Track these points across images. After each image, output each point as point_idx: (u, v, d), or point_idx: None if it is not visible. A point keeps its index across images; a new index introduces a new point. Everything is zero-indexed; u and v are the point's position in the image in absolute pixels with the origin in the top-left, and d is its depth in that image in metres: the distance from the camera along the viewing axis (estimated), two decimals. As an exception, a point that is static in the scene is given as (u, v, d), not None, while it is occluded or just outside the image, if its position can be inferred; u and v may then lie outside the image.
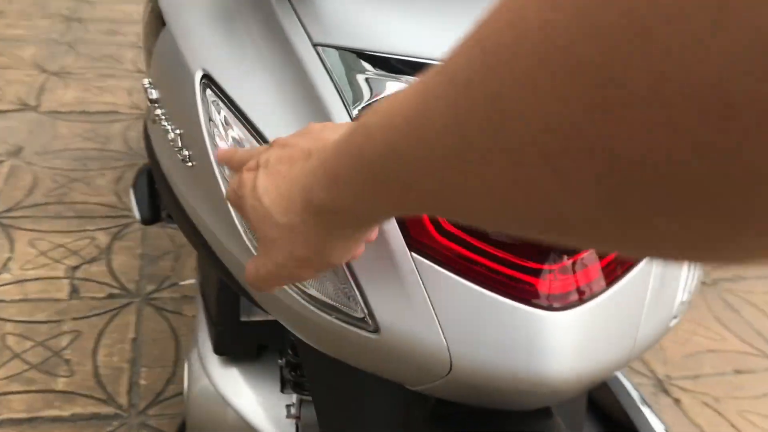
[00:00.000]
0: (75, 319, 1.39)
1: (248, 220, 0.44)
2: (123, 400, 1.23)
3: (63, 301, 1.44)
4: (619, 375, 0.81)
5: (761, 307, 1.66)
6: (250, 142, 0.56)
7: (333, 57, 0.57)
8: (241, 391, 0.84)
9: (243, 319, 0.81)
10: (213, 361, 0.85)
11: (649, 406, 0.78)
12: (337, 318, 0.52)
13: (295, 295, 0.53)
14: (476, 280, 0.50)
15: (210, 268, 0.79)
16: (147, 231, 1.65)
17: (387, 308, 0.51)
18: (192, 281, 1.50)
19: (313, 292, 0.53)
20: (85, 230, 1.64)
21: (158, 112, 0.69)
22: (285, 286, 0.53)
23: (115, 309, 1.41)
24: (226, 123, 0.58)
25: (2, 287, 1.45)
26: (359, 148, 0.33)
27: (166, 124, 0.66)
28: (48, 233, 1.62)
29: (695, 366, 1.47)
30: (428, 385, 0.52)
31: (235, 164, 0.51)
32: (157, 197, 1.02)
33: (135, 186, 1.03)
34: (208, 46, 0.63)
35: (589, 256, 0.52)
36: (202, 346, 0.87)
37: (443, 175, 0.27)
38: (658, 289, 0.56)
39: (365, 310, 0.51)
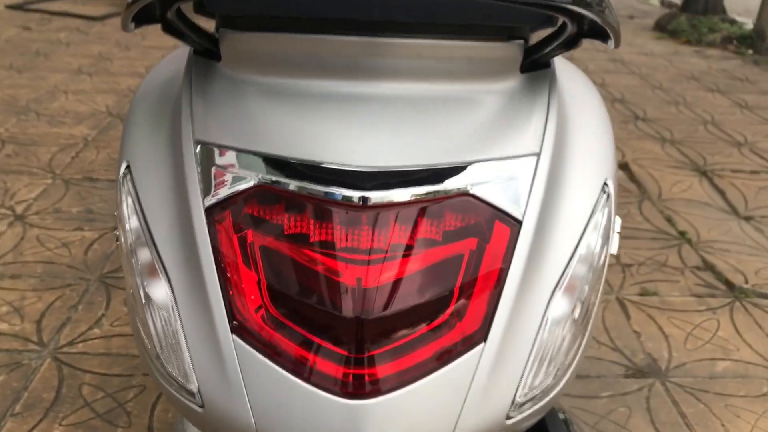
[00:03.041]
0: (144, 374, 1.66)
1: None
2: (172, 452, 1.50)
3: (138, 357, 1.71)
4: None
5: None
6: (146, 236, 0.61)
7: (205, 152, 0.61)
8: None
9: None
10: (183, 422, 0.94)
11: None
12: (177, 392, 0.61)
13: (156, 372, 0.65)
14: (288, 368, 0.54)
15: None
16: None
17: (210, 386, 0.57)
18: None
19: (170, 368, 0.61)
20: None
21: None
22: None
23: (169, 370, 1.69)
24: (130, 213, 0.64)
25: (91, 341, 1.75)
26: None
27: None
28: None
29: None
30: None
31: None
32: None
33: None
34: (134, 138, 0.70)
35: (401, 346, 0.57)
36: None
37: None
38: (484, 386, 0.59)
39: (197, 387, 0.58)
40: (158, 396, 1.61)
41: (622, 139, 3.41)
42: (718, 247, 2.44)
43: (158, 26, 0.64)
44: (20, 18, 5.17)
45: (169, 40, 4.49)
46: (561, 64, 0.84)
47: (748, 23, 5.73)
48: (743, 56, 5.31)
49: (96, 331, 1.80)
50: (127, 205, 0.65)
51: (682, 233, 2.53)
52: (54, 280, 2.01)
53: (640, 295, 2.14)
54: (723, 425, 1.64)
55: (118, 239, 0.67)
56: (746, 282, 2.24)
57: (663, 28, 6.09)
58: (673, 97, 4.18)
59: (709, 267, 2.32)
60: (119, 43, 4.63)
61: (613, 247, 0.71)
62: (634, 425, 1.62)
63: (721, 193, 2.90)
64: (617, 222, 0.73)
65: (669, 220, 2.63)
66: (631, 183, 2.94)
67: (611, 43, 0.63)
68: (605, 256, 0.66)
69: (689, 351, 1.90)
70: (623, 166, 3.09)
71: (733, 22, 5.90)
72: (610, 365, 1.82)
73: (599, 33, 0.61)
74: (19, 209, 2.40)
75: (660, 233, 2.53)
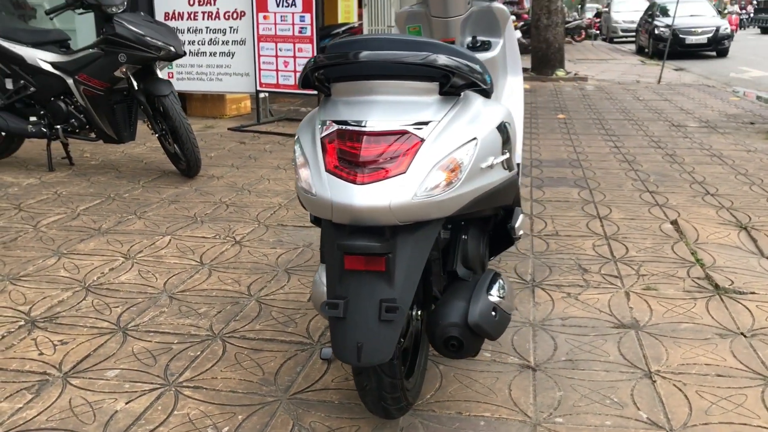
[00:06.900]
0: (307, 309, 2.86)
1: None
2: (315, 338, 2.62)
3: (301, 311, 2.93)
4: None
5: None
6: (303, 152, 1.78)
7: (323, 123, 1.70)
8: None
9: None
10: (321, 267, 1.99)
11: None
12: (307, 195, 1.68)
13: (302, 192, 1.74)
14: (341, 177, 1.59)
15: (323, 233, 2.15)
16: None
17: (317, 188, 1.63)
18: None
19: (304, 186, 1.70)
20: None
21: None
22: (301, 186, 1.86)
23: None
24: (299, 153, 1.77)
25: (283, 295, 3.01)
26: None
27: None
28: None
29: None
30: (332, 216, 1.66)
31: None
32: None
33: None
34: (302, 131, 1.82)
35: (374, 173, 1.59)
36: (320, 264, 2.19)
37: None
38: (403, 186, 1.59)
39: (314, 190, 1.64)
40: (313, 316, 2.77)
41: (683, 206, 4.25)
42: (726, 271, 3.24)
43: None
44: (238, 136, 6.97)
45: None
46: (485, 101, 1.98)
47: None
48: None
49: (281, 291, 3.03)
50: (297, 150, 1.85)
51: (698, 260, 3.36)
52: (257, 270, 3.29)
53: (643, 290, 3.02)
54: (666, 351, 2.49)
55: (294, 161, 1.89)
56: (731, 284, 3.04)
57: (775, 131, 6.73)
58: (752, 181, 4.91)
59: (707, 278, 3.14)
60: (307, 150, 6.19)
61: (498, 159, 1.83)
62: (606, 348, 2.52)
63: (754, 240, 3.66)
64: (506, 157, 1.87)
65: (693, 254, 3.46)
66: (675, 233, 3.79)
67: (487, 90, 1.83)
68: (471, 161, 1.76)
69: (665, 317, 2.75)
70: (673, 223, 3.94)
71: (842, 123, 6.42)
72: (604, 323, 2.73)
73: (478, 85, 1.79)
74: (237, 238, 3.76)
75: (680, 260, 3.38)
